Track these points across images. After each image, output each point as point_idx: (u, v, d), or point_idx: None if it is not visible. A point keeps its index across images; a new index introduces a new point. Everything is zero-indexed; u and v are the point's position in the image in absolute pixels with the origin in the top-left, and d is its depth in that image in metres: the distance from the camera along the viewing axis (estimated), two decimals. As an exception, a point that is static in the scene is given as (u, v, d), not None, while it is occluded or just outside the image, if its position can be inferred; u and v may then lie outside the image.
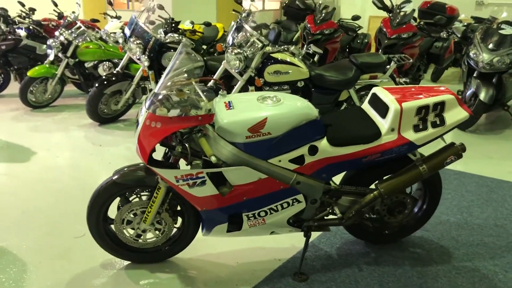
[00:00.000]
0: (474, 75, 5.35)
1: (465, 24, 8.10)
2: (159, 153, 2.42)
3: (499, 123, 5.78)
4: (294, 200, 2.45)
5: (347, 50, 7.55)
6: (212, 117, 2.20)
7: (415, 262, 2.72)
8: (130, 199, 2.54)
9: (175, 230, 2.67)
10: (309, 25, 6.82)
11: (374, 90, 2.64)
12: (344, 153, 2.43)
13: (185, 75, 2.31)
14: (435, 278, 2.57)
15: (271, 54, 4.50)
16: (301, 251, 2.80)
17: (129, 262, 2.68)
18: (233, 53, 4.34)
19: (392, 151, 2.45)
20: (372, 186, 2.60)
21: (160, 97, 2.25)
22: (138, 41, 5.13)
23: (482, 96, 5.09)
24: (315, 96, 4.69)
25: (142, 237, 2.58)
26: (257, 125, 2.25)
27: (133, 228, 2.54)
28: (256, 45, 4.37)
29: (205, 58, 5.50)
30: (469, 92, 5.33)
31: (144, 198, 2.55)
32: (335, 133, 2.44)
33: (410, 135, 2.44)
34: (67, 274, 2.58)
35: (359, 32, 7.66)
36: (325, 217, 2.62)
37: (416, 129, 2.45)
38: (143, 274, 2.59)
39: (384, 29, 6.09)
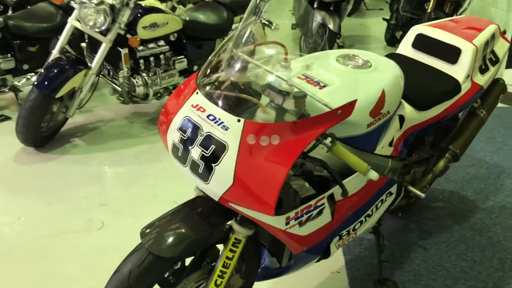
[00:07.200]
0: (315, 6, 5.22)
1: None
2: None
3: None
4: (388, 194, 1.79)
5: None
6: (353, 106, 1.31)
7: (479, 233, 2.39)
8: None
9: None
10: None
11: (417, 29, 2.06)
12: (430, 116, 1.86)
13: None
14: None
15: (137, 2, 3.34)
16: (347, 252, 2.20)
17: None
18: (92, 4, 3.01)
19: (468, 103, 2.00)
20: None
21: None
22: None
23: (331, 26, 5.03)
24: (190, 50, 3.75)
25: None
26: (377, 104, 1.47)
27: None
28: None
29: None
30: (314, 24, 5.19)
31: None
32: (413, 94, 1.83)
33: (479, 79, 2.02)
34: None
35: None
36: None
37: (481, 70, 2.04)
38: None
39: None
